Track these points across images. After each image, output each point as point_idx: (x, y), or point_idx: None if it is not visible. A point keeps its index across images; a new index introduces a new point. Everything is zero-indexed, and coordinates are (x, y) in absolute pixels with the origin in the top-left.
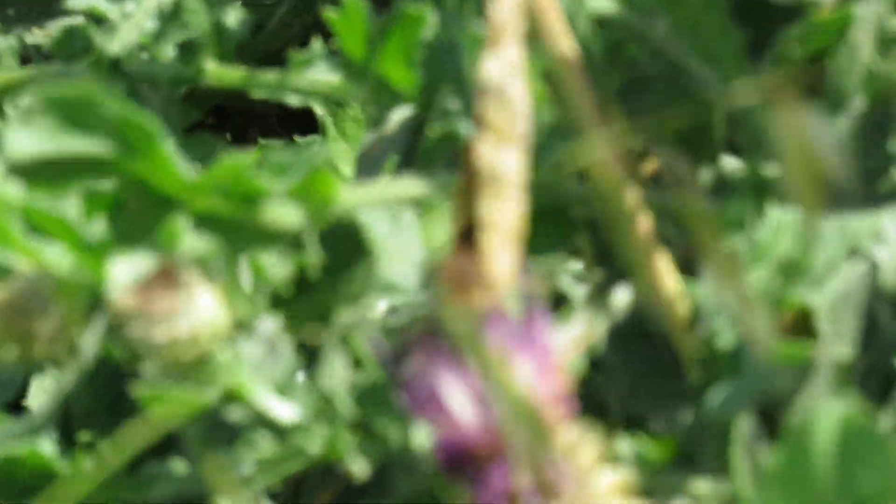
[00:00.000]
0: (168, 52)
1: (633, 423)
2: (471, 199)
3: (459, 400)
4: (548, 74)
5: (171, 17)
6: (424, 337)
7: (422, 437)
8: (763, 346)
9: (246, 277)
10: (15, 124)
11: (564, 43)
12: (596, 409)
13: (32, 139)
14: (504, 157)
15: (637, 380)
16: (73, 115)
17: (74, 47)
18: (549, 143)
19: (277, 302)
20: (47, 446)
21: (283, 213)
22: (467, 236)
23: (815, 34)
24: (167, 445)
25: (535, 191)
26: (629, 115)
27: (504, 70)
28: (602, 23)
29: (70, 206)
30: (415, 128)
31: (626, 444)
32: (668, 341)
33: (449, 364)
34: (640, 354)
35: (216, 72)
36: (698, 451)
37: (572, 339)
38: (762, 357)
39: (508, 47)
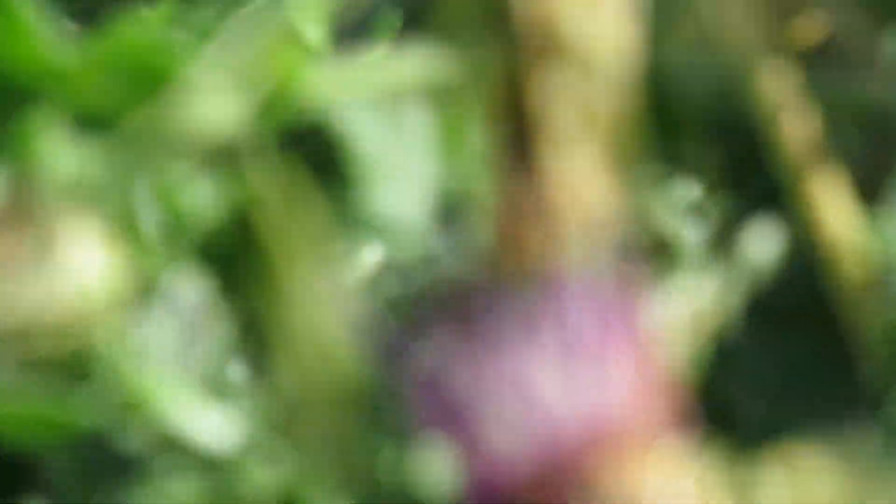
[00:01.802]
0: None
1: (778, 440)
2: (526, 82)
3: (499, 412)
4: None
5: None
6: (444, 310)
7: (437, 471)
8: None
9: (153, 215)
10: None
11: None
12: (721, 420)
13: None
14: (580, 12)
15: (784, 375)
16: None
17: None
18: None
19: (206, 254)
20: None
21: (214, 111)
22: (518, 145)
23: None
24: (24, 479)
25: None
26: None
27: None
28: None
29: None
30: None
31: (769, 472)
32: (835, 314)
33: (487, 354)
34: (791, 336)
35: None
36: (880, 480)
37: (685, 314)
38: None
39: None
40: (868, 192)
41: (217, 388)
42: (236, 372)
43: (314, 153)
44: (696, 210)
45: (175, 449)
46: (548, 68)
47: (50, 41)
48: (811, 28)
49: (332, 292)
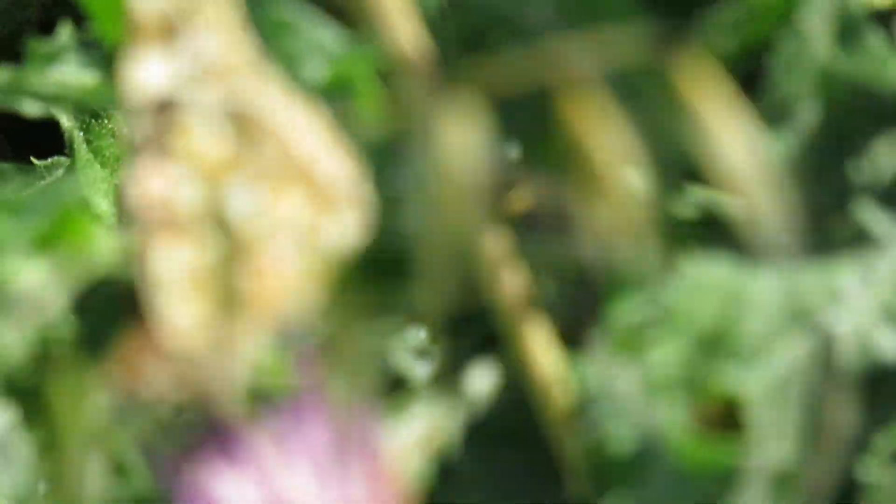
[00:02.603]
0: None
1: None
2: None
3: None
4: (383, 73)
5: None
6: (212, 433)
7: None
8: (675, 448)
9: None
10: None
11: (406, 30)
12: None
13: None
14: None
15: (502, 494)
16: None
17: None
18: (382, 166)
19: (13, 391)
20: None
21: (21, 271)
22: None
23: (753, 18)
24: None
25: (365, 232)
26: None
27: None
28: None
29: None
30: None
31: None
32: (545, 441)
33: (243, 469)
34: (506, 459)
35: None
36: None
37: (414, 437)
38: (674, 462)
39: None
40: (569, 338)
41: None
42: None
43: (111, 303)
44: (424, 351)
45: None
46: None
47: None
48: (520, 199)
49: None
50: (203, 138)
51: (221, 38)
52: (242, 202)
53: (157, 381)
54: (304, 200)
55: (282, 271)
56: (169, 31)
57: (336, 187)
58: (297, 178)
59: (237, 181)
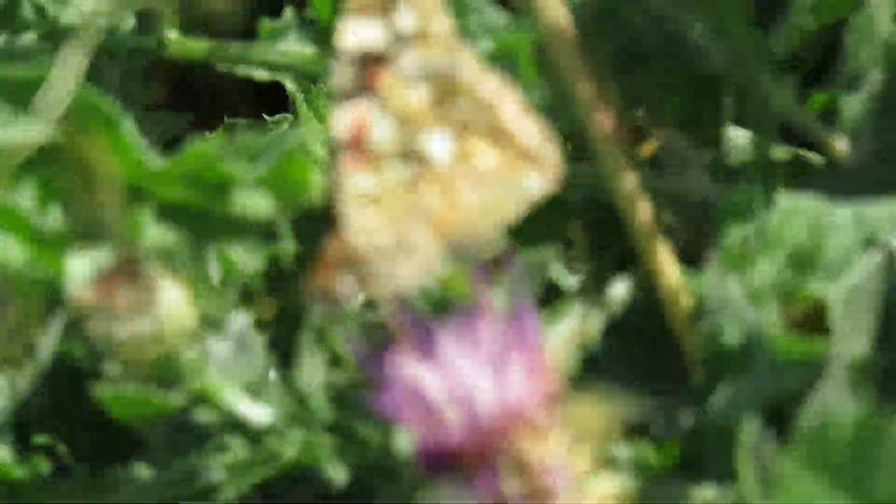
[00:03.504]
0: (129, 23)
1: (631, 427)
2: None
3: (443, 399)
4: (539, 47)
5: None
6: (405, 332)
7: (403, 440)
8: (772, 343)
9: (214, 271)
10: None
11: (556, 12)
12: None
13: None
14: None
15: (635, 379)
16: (21, 94)
17: (23, 17)
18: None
19: (248, 297)
20: (2, 451)
21: (254, 202)
22: None
23: (829, 3)
24: (130, 449)
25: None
26: (626, 91)
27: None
28: None
29: (23, 196)
30: None
31: (623, 449)
32: (670, 337)
33: (431, 361)
34: (639, 352)
35: (179, 43)
36: (702, 456)
37: (565, 335)
38: (771, 354)
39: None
40: (690, 256)
41: (256, 385)
42: (269, 374)
43: (322, 228)
44: (574, 266)
45: (231, 424)
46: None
47: (143, 155)
48: (649, 146)
49: None
50: (402, 89)
51: (423, 12)
52: (437, 144)
53: (349, 284)
54: (496, 152)
55: (467, 203)
56: (379, 6)
57: (530, 144)
58: (491, 132)
59: (434, 127)
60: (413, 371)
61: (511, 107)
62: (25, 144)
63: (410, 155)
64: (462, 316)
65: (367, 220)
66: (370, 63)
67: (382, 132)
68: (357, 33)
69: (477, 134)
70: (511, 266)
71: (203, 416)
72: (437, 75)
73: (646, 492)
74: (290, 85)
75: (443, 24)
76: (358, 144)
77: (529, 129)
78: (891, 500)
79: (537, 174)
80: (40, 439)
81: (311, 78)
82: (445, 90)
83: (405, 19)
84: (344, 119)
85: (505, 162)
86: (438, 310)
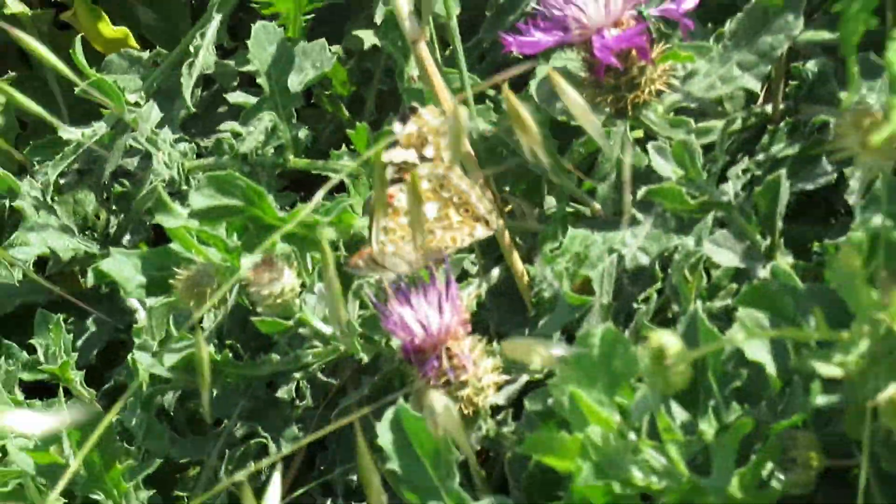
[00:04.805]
0: (270, 150)
1: (501, 336)
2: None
3: (413, 323)
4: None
5: (271, 133)
6: (396, 292)
7: (394, 342)
8: (566, 298)
9: (308, 264)
10: (194, 190)
11: (465, 146)
12: (483, 330)
13: (202, 198)
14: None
15: (503, 314)
16: (222, 185)
17: (222, 149)
18: None
19: (322, 276)
20: (210, 347)
21: (327, 232)
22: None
23: (590, 143)
24: (270, 347)
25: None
26: (499, 180)
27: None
28: (483, 137)
29: (221, 230)
30: None
31: (497, 346)
32: (519, 296)
33: (408, 306)
34: (503, 302)
35: (294, 161)
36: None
37: (470, 294)
38: (566, 303)
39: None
40: (528, 257)
41: (327, 316)
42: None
43: (357, 244)
44: (475, 262)
45: (316, 334)
46: None
47: (276, 211)
48: (509, 205)
49: None
50: (418, 181)
51: (437, 149)
52: (430, 208)
53: (371, 269)
54: (462, 214)
55: (440, 237)
56: (417, 143)
57: (482, 212)
58: (461, 205)
59: (430, 200)
60: (399, 310)
61: (475, 193)
62: (224, 206)
63: (414, 212)
64: (423, 285)
65: (384, 242)
66: (404, 168)
67: (402, 200)
68: (400, 154)
69: (453, 206)
70: (447, 262)
71: (302, 330)
72: (436, 177)
73: (506, 363)
74: (346, 179)
75: (447, 155)
76: (389, 205)
77: (483, 204)
78: (626, 374)
79: (483, 227)
80: (228, 342)
81: (354, 176)
82: (440, 184)
83: (428, 150)
84: (384, 191)
85: (466, 219)
86: (413, 282)
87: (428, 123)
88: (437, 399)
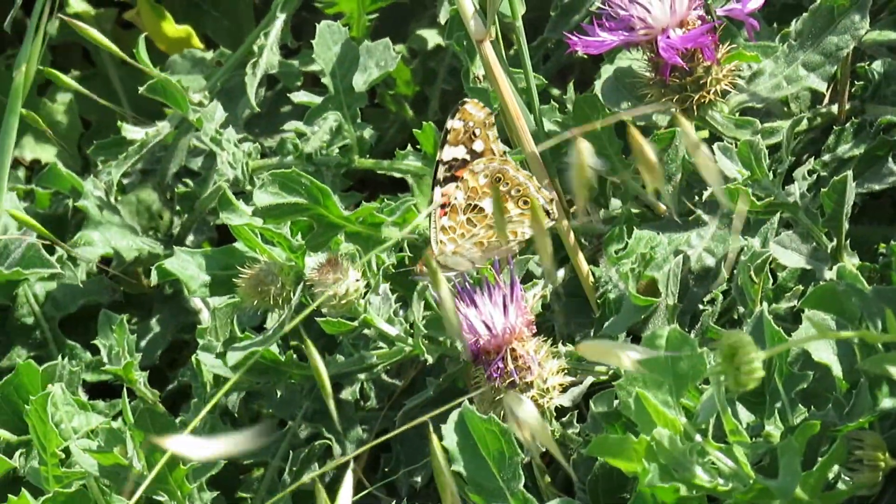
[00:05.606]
0: (335, 150)
1: (566, 338)
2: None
3: (478, 324)
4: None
5: (336, 133)
6: (460, 292)
7: (460, 343)
8: (632, 298)
9: (373, 263)
10: (258, 189)
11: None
12: (548, 331)
13: (266, 195)
14: None
15: (569, 316)
16: (286, 182)
17: (287, 148)
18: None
19: (387, 275)
20: (274, 348)
21: (391, 232)
22: None
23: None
24: (333, 347)
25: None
26: (564, 184)
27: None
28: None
29: (286, 229)
30: None
31: (563, 348)
32: (584, 297)
33: (472, 306)
34: (570, 304)
35: (359, 161)
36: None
37: (535, 294)
38: (631, 304)
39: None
40: (593, 259)
41: (391, 317)
42: (398, 312)
43: (422, 244)
44: (540, 263)
45: (380, 335)
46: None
47: (341, 210)
48: (575, 206)
49: None
50: (473, 177)
51: (486, 141)
52: (487, 203)
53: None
54: (520, 207)
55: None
56: (464, 139)
57: (536, 199)
58: (520, 198)
59: (487, 196)
60: (464, 310)
61: (532, 184)
62: (288, 204)
63: (472, 209)
64: (488, 286)
65: (443, 241)
66: (457, 165)
67: (459, 198)
68: (449, 152)
69: (511, 199)
70: (511, 263)
71: (367, 331)
72: (492, 171)
73: (573, 365)
74: (410, 179)
75: (498, 146)
76: (446, 204)
77: (542, 195)
78: (692, 375)
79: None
80: (293, 343)
81: (418, 176)
82: (495, 178)
83: (477, 144)
84: (441, 191)
85: (525, 211)
86: (476, 283)
87: (474, 117)
88: (517, 401)
